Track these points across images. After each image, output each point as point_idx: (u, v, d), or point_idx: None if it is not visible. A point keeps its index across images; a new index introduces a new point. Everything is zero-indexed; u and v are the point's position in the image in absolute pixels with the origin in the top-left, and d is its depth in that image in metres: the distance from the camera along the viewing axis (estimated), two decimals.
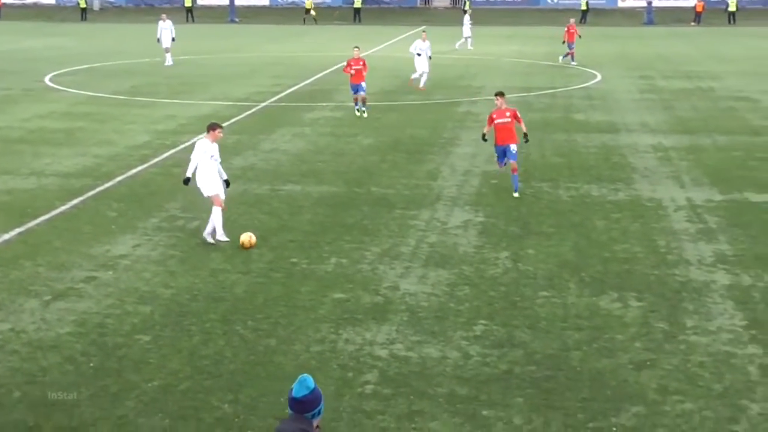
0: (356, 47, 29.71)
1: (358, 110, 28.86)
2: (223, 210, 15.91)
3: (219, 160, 16.11)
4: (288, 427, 6.27)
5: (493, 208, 18.34)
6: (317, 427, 6.29)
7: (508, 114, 19.40)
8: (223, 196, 16.05)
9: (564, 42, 43.40)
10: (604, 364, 11.27)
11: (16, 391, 10.55)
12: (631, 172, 21.57)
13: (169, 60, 43.73)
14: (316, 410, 6.29)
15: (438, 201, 18.88)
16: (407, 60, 37.31)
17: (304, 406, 6.23)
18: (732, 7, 71.66)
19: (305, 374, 6.34)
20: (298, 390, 6.20)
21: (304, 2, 78.40)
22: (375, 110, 29.28)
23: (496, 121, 19.32)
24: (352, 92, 29.09)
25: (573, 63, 42.94)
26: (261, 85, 36.37)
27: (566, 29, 43.83)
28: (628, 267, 14.88)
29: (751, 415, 10.06)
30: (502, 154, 19.47)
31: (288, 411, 6.27)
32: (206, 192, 15.96)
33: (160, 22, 44.21)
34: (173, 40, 43.95)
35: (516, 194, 19.01)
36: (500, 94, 19.94)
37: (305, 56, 46.29)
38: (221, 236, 15.94)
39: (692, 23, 70.42)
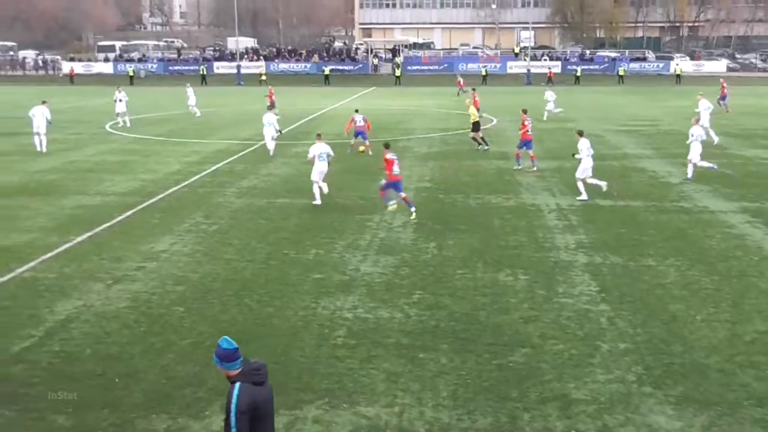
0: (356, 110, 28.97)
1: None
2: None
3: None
4: (257, 362, 5.99)
5: (424, 212, 18.33)
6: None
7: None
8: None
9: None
10: (502, 319, 11.34)
11: (88, 348, 10.40)
12: (518, 186, 21.73)
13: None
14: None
15: (385, 208, 18.86)
16: (363, 110, 37.14)
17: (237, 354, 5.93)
18: (578, 73, 73.44)
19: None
20: (229, 343, 5.91)
21: (260, 72, 77.68)
22: (341, 146, 29.12)
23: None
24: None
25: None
26: (260, 129, 35.95)
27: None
28: (517, 252, 14.97)
29: (603, 352, 10.19)
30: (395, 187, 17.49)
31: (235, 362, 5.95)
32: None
33: (190, 89, 42.07)
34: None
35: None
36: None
37: (292, 108, 46.02)
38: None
39: (544, 84, 70.78)
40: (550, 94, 40.94)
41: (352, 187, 21.55)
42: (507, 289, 12.72)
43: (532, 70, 76.26)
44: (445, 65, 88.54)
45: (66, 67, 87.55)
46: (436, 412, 8.65)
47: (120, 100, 37.31)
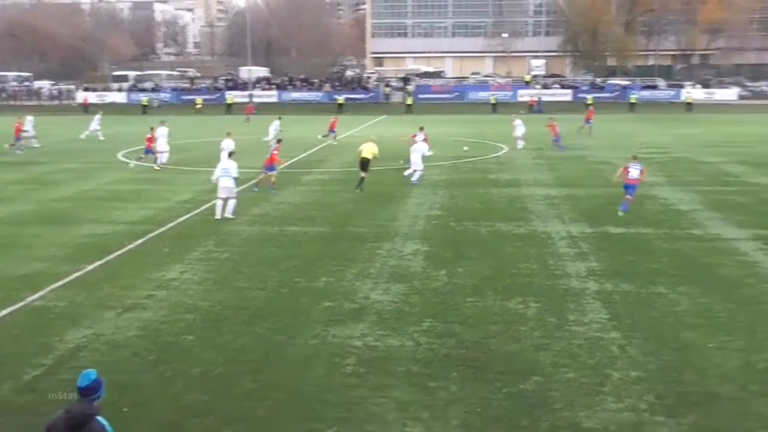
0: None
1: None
2: None
3: None
4: (75, 409, 6.11)
5: (434, 240, 18.36)
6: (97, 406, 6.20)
7: None
8: None
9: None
10: (513, 348, 11.29)
11: None
12: (529, 213, 21.71)
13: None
14: (98, 394, 6.18)
15: (396, 236, 18.89)
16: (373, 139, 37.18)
17: (88, 392, 6.14)
18: (590, 101, 69.35)
19: (89, 369, 6.30)
20: (82, 381, 6.13)
21: (195, 101, 77.59)
22: (352, 174, 29.22)
23: None
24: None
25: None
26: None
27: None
28: (528, 279, 14.93)
29: (613, 380, 10.13)
30: None
31: (77, 397, 6.18)
32: None
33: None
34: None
35: None
36: None
37: (303, 137, 46.25)
38: None
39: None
40: (519, 123, 40.05)
41: (364, 215, 21.60)
42: (518, 317, 12.67)
43: (544, 98, 76.32)
44: (456, 94, 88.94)
45: (80, 96, 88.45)
46: None
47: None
